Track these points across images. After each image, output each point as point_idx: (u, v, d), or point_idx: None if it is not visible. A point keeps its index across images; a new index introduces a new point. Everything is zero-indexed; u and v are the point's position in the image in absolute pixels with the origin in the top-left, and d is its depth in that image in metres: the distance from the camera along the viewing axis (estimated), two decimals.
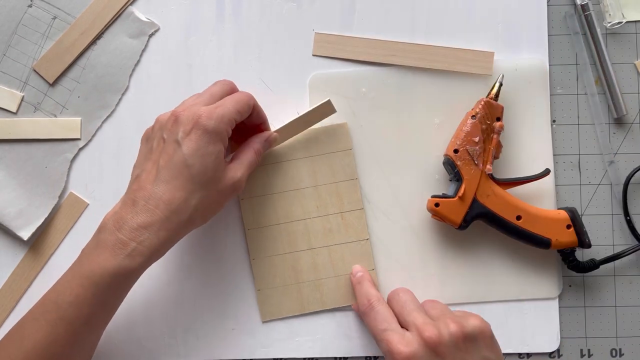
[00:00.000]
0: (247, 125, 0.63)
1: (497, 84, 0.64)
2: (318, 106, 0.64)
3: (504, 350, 0.66)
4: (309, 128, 0.66)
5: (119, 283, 0.56)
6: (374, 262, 0.66)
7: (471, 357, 0.56)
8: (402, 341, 0.56)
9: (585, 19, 0.66)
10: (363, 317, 0.62)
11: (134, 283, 0.58)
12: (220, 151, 0.58)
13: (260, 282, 0.66)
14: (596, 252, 0.67)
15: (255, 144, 0.62)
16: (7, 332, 0.59)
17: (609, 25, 0.67)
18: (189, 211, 0.57)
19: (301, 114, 0.65)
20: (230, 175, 0.59)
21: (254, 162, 0.62)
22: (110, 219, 0.57)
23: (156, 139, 0.59)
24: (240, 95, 0.61)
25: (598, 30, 0.66)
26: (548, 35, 0.67)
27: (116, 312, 0.60)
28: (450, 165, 0.63)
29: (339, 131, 0.66)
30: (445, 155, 0.64)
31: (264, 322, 0.66)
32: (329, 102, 0.64)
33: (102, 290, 0.56)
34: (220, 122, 0.57)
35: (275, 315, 0.66)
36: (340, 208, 0.66)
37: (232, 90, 0.63)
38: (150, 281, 0.67)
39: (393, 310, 0.61)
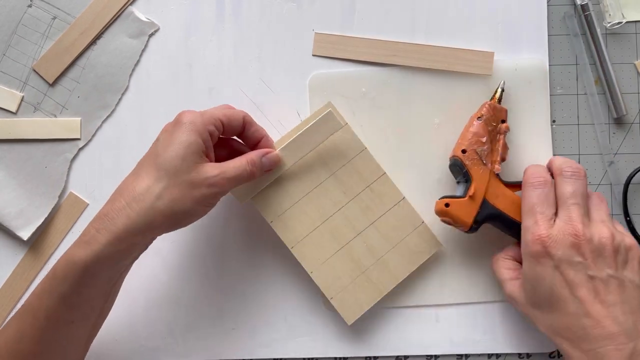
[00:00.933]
0: (249, 143, 0.63)
1: (500, 90, 0.64)
2: (319, 119, 0.63)
3: (504, 351, 0.67)
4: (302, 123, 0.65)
5: (74, 273, 0.54)
6: (420, 217, 0.66)
7: (612, 270, 0.55)
8: (547, 224, 0.56)
9: (585, 19, 0.66)
10: (527, 188, 0.59)
11: (99, 280, 0.55)
12: (193, 143, 0.56)
13: (329, 290, 0.65)
14: None
15: (251, 154, 0.60)
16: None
17: (608, 25, 0.67)
18: (151, 198, 0.54)
19: (302, 130, 0.63)
20: (208, 170, 0.56)
21: (243, 170, 0.59)
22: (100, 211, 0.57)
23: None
24: (232, 108, 0.62)
25: (598, 30, 0.66)
26: (548, 35, 0.67)
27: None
28: (458, 166, 0.62)
29: (327, 114, 0.64)
30: (453, 157, 0.63)
31: (350, 324, 0.65)
32: (330, 114, 0.63)
33: (59, 281, 0.54)
34: (199, 116, 0.57)
35: (358, 313, 0.65)
36: (365, 182, 0.65)
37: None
38: (151, 281, 0.67)
39: (558, 191, 0.58)
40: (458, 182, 0.64)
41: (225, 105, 0.64)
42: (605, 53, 0.66)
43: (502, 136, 0.63)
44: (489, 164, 0.62)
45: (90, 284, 0.55)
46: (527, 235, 0.57)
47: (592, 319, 0.54)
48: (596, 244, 0.55)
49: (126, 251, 0.55)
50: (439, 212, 0.62)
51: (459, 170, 0.63)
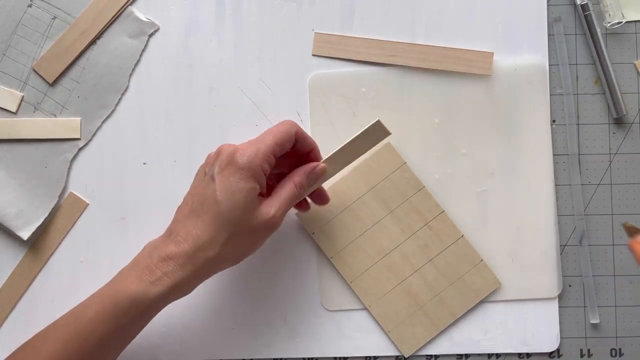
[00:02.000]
0: (297, 153, 0.61)
1: None
2: (368, 128, 0.61)
3: (504, 351, 0.66)
4: (360, 159, 0.64)
5: (137, 309, 0.56)
6: (479, 254, 0.66)
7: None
8: None
9: (585, 18, 0.66)
10: None
11: (153, 314, 0.58)
12: (252, 189, 0.56)
13: (387, 324, 0.66)
14: (596, 252, 0.67)
15: (297, 176, 0.60)
16: (29, 338, 0.60)
17: (608, 25, 0.67)
18: (217, 248, 0.56)
19: (349, 139, 0.62)
20: (264, 212, 0.57)
21: (293, 197, 0.59)
22: (149, 244, 0.58)
23: (202, 171, 0.59)
24: (280, 125, 0.59)
25: (598, 30, 0.66)
26: (548, 35, 0.67)
27: None
28: None
29: (385, 151, 0.66)
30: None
31: (407, 357, 0.66)
32: (379, 123, 0.61)
33: (120, 313, 0.56)
34: (254, 157, 0.56)
35: (416, 346, 0.66)
36: (424, 220, 0.66)
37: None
38: None
39: None
40: None
41: (280, 125, 0.60)
42: (605, 53, 0.66)
43: None
44: None
45: (147, 318, 0.58)
46: None
47: None
48: None
49: (186, 291, 0.58)
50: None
51: None
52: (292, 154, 0.61)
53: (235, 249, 0.57)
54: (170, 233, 0.58)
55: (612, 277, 0.67)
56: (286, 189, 0.59)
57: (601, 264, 0.67)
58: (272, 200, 0.58)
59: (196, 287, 0.58)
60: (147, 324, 0.59)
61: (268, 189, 0.59)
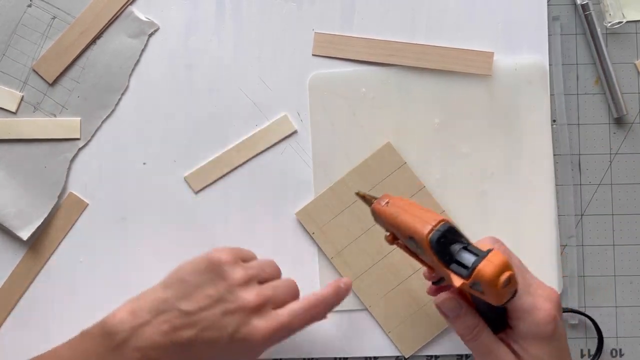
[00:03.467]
0: None
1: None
2: (378, 150, 0.65)
3: None
4: (361, 163, 0.66)
5: None
6: None
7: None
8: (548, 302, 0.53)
9: (586, 18, 0.66)
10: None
11: None
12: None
13: (387, 324, 0.66)
14: (596, 252, 0.67)
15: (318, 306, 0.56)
16: None
17: (609, 25, 0.67)
18: None
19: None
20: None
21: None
22: (127, 326, 0.52)
23: (220, 299, 0.53)
24: (313, 311, 0.55)
25: (598, 30, 0.66)
26: (548, 35, 0.67)
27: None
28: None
29: (385, 151, 0.66)
30: None
31: (408, 357, 0.66)
32: (388, 145, 0.65)
33: None
34: (271, 343, 0.53)
35: (417, 346, 0.66)
36: None
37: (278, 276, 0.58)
38: (150, 281, 0.67)
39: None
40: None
41: (277, 271, 0.59)
42: (605, 53, 0.66)
43: None
44: None
45: None
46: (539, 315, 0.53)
47: None
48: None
49: None
50: None
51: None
52: None
53: None
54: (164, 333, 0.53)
55: (613, 277, 0.67)
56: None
57: (601, 264, 0.67)
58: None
59: None
60: None
61: None
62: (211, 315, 0.52)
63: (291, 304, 0.55)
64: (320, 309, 0.56)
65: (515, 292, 0.50)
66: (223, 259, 0.54)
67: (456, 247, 0.51)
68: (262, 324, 0.52)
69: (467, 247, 0.51)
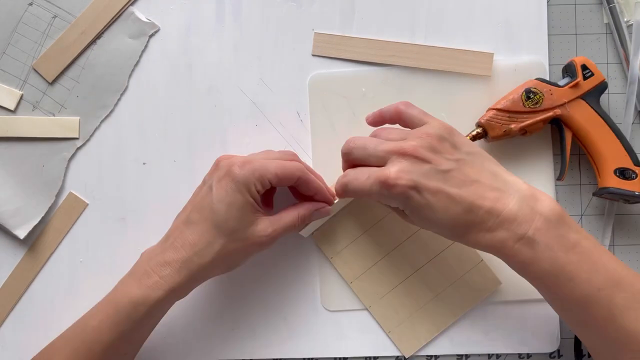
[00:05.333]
0: (302, 195, 0.62)
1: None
2: None
3: (504, 351, 0.66)
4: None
5: (138, 313, 0.57)
6: (480, 254, 0.66)
7: (453, 155, 0.55)
8: (386, 169, 0.55)
9: (610, 11, 0.66)
10: (350, 195, 0.59)
11: (156, 318, 0.60)
12: (246, 203, 0.57)
13: (387, 324, 0.66)
14: None
15: (303, 209, 0.61)
16: (38, 352, 0.60)
17: (628, 23, 0.67)
18: (211, 255, 0.58)
19: None
20: (260, 229, 0.58)
21: (293, 226, 0.60)
22: (146, 251, 0.60)
23: (202, 182, 0.61)
24: (287, 163, 0.59)
25: (623, 23, 0.66)
26: (548, 35, 0.67)
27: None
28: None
29: None
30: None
31: (408, 357, 0.66)
32: None
33: (122, 318, 0.57)
34: (250, 174, 0.57)
35: (417, 346, 0.66)
36: None
37: (290, 158, 0.62)
38: None
39: (361, 163, 0.58)
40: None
41: (283, 154, 0.62)
42: (629, 45, 0.66)
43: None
44: None
45: (150, 323, 0.60)
46: (379, 184, 0.55)
47: (478, 204, 0.54)
48: (426, 145, 0.55)
49: (182, 295, 0.59)
50: None
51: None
52: (299, 193, 0.62)
53: (227, 258, 0.59)
54: (167, 239, 0.59)
55: None
56: (289, 217, 0.60)
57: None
58: (272, 221, 0.59)
59: (192, 290, 0.60)
60: (151, 329, 0.60)
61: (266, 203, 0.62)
62: (200, 189, 0.60)
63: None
64: (299, 167, 0.59)
65: None
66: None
67: None
68: (236, 159, 0.58)
69: None
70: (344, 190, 0.58)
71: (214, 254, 0.57)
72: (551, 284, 0.54)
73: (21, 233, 0.66)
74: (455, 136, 0.57)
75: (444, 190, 0.54)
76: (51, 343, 0.60)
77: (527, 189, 0.55)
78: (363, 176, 0.56)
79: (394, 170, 0.54)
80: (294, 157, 0.62)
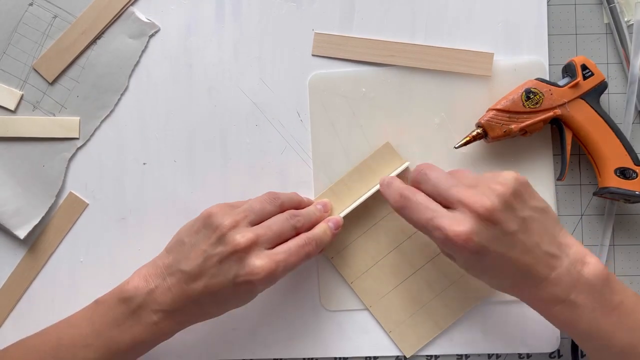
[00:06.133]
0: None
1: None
2: (377, 150, 0.66)
3: (504, 351, 0.67)
4: (361, 163, 0.66)
5: (145, 349, 0.59)
6: None
7: (522, 212, 0.54)
8: (454, 222, 0.53)
9: (610, 11, 0.66)
10: (402, 213, 0.58)
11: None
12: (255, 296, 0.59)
13: (388, 324, 0.66)
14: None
15: (308, 245, 0.60)
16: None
17: (629, 23, 0.67)
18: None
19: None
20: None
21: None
22: (142, 291, 0.57)
23: (214, 250, 0.57)
24: (303, 255, 0.59)
25: (623, 23, 0.66)
26: (548, 35, 0.67)
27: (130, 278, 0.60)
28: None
29: (385, 151, 0.66)
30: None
31: (409, 357, 0.67)
32: (387, 145, 0.66)
33: (130, 356, 0.58)
34: (270, 282, 0.57)
35: (418, 346, 0.66)
36: None
37: (280, 205, 0.61)
38: None
39: (427, 195, 0.57)
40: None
41: (277, 205, 0.61)
42: (630, 45, 0.66)
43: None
44: None
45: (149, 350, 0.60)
46: (443, 235, 0.54)
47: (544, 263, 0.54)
48: (500, 203, 0.53)
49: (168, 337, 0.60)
50: None
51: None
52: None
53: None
54: (169, 288, 0.58)
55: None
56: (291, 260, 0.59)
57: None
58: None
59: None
60: None
61: None
62: (210, 267, 0.56)
63: (287, 243, 0.58)
64: (313, 247, 0.59)
65: None
66: (213, 211, 0.58)
67: None
68: (258, 263, 0.56)
69: None
70: (401, 208, 0.58)
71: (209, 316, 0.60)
72: (588, 340, 0.55)
73: (21, 233, 0.66)
74: (528, 189, 0.55)
75: (506, 255, 0.53)
76: (13, 349, 0.60)
77: (577, 253, 0.55)
78: (427, 213, 0.55)
79: (464, 231, 0.52)
80: (278, 198, 0.61)
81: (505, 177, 0.55)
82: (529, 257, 0.54)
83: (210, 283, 0.56)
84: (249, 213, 0.59)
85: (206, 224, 0.58)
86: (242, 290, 0.56)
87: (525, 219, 0.54)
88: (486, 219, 0.52)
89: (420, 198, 0.56)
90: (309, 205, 0.64)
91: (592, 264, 0.54)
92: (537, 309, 0.56)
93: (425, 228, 0.55)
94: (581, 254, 0.55)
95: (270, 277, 0.56)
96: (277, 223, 0.59)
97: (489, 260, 0.53)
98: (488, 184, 0.54)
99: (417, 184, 0.58)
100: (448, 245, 0.53)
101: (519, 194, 0.54)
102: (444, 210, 0.54)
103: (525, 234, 0.54)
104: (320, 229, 0.61)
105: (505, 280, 0.55)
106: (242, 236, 0.56)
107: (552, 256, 0.54)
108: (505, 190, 0.53)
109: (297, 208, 0.62)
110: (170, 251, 0.59)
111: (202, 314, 0.58)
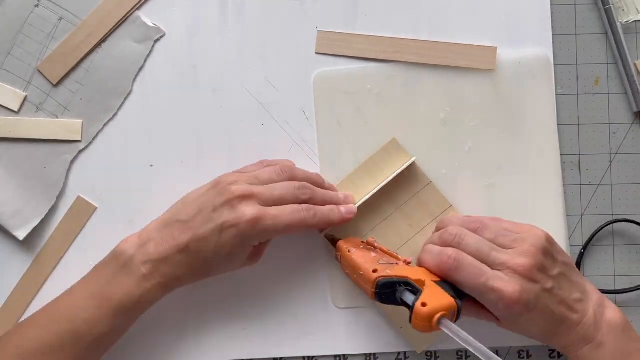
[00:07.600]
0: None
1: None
2: (383, 147, 0.66)
3: (505, 344, 0.67)
4: (367, 160, 0.67)
5: (136, 310, 0.59)
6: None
7: (554, 269, 0.58)
8: (508, 284, 0.56)
9: (605, 13, 0.67)
10: (451, 275, 0.58)
11: (146, 310, 0.60)
12: (242, 253, 0.59)
13: (398, 321, 0.65)
14: (595, 252, 0.67)
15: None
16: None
17: (623, 22, 0.67)
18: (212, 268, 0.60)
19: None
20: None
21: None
22: (134, 246, 0.59)
23: (211, 201, 0.59)
24: (299, 216, 0.59)
25: (618, 24, 0.67)
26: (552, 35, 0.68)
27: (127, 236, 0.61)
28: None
29: (391, 148, 0.66)
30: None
31: (419, 352, 0.66)
32: (394, 141, 0.66)
33: (120, 315, 0.58)
34: (262, 233, 0.58)
35: (428, 342, 0.66)
36: (432, 215, 0.66)
37: (290, 178, 0.61)
38: None
39: (469, 250, 0.58)
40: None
41: (287, 173, 0.62)
42: (625, 47, 0.67)
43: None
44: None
45: (140, 314, 0.60)
46: (499, 295, 0.56)
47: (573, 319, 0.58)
48: (536, 263, 0.57)
49: (178, 286, 0.61)
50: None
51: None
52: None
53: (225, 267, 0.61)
54: (166, 226, 0.60)
55: (612, 277, 0.67)
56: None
57: (601, 264, 0.67)
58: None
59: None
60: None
61: None
62: (204, 215, 0.58)
63: (284, 205, 0.59)
64: (311, 215, 0.59)
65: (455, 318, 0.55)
66: (223, 177, 0.60)
67: (400, 289, 0.56)
68: (248, 210, 0.57)
69: (407, 286, 0.56)
70: (452, 269, 0.57)
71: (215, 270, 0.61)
72: None
73: (21, 234, 0.65)
74: (554, 245, 0.60)
75: (548, 308, 0.57)
76: (19, 328, 0.60)
77: (598, 298, 0.60)
78: (482, 276, 0.56)
79: (517, 289, 0.56)
80: (292, 172, 0.62)
81: (533, 236, 0.58)
82: (563, 306, 0.58)
83: (200, 230, 0.57)
84: (253, 180, 0.60)
85: (212, 185, 0.60)
86: (227, 235, 0.57)
87: (557, 276, 0.58)
88: (528, 278, 0.56)
89: (470, 261, 0.58)
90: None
91: (612, 308, 0.59)
92: (565, 351, 0.60)
93: (480, 290, 0.57)
94: (601, 299, 0.60)
95: (256, 223, 0.56)
96: (280, 188, 0.59)
97: (534, 314, 0.57)
98: (521, 245, 0.58)
99: (457, 246, 0.59)
100: (502, 303, 0.56)
101: (549, 252, 0.58)
102: (493, 271, 0.57)
103: (560, 288, 0.58)
104: (327, 207, 0.61)
105: (544, 329, 0.58)
106: (237, 187, 0.58)
107: (580, 302, 0.59)
108: (536, 250, 0.57)
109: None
110: (171, 209, 0.61)
111: (189, 268, 0.58)
